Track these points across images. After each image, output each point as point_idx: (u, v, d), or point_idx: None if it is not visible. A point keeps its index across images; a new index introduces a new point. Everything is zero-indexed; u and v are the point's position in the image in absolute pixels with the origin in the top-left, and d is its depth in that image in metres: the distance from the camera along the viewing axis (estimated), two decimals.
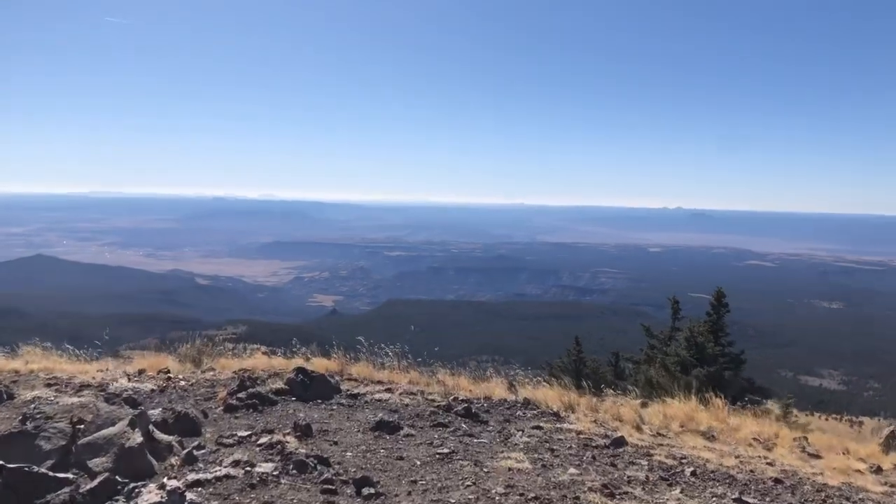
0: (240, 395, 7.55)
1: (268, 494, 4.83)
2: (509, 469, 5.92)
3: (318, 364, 10.16)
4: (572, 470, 6.02)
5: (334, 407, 7.88)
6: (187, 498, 4.37)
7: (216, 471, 5.12)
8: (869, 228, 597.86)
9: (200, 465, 5.35)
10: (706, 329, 18.36)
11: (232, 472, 5.09)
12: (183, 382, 8.70)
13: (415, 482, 5.43)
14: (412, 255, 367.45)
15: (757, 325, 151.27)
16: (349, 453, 6.07)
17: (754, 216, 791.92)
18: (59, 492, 4.22)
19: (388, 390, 8.91)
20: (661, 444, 7.56)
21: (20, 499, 4.13)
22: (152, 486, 4.34)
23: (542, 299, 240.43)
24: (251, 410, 7.28)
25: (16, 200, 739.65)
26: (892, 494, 6.78)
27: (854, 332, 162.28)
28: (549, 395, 9.48)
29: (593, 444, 7.05)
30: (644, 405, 10.34)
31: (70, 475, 4.53)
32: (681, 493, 5.74)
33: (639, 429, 8.22)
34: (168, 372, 9.35)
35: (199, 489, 4.81)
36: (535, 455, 6.45)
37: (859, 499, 6.36)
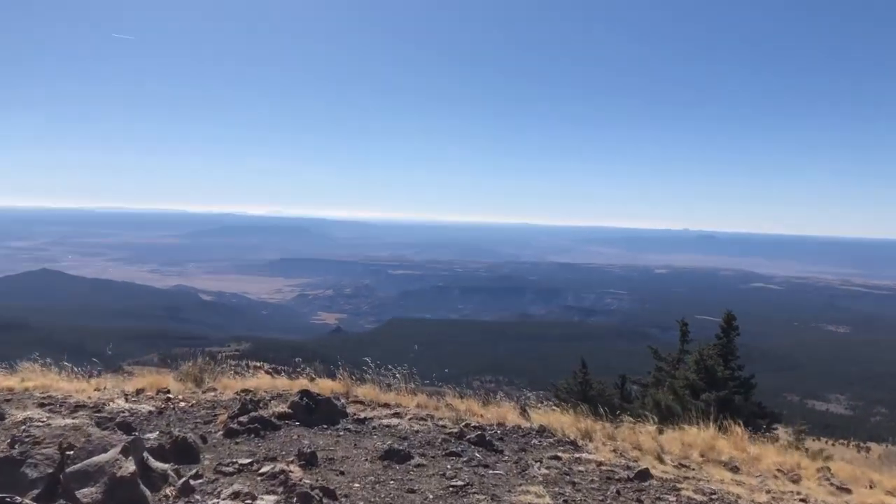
0: (241, 418, 7.09)
1: None
2: None
3: (324, 385, 9.77)
4: None
5: (341, 433, 7.38)
6: None
7: (214, 503, 4.72)
8: (877, 252, 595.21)
9: (197, 496, 4.88)
10: (716, 352, 17.99)
11: None
12: (183, 403, 8.28)
13: None
14: (417, 274, 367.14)
15: (763, 348, 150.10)
16: (357, 484, 5.63)
17: (761, 238, 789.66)
18: None
19: (397, 415, 8.45)
20: (687, 477, 7.13)
21: None
22: None
23: (547, 320, 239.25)
24: (253, 436, 6.83)
25: (22, 215, 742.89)
26: None
27: (861, 356, 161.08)
28: (564, 421, 9.06)
29: (616, 477, 6.59)
30: (660, 431, 9.93)
31: None
32: None
33: (660, 459, 7.80)
34: (167, 392, 8.93)
35: None
36: (556, 489, 6.01)
37: None
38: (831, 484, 8.35)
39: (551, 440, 7.94)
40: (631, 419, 10.47)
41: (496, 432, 8.05)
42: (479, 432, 7.58)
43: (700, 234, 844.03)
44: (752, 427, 14.26)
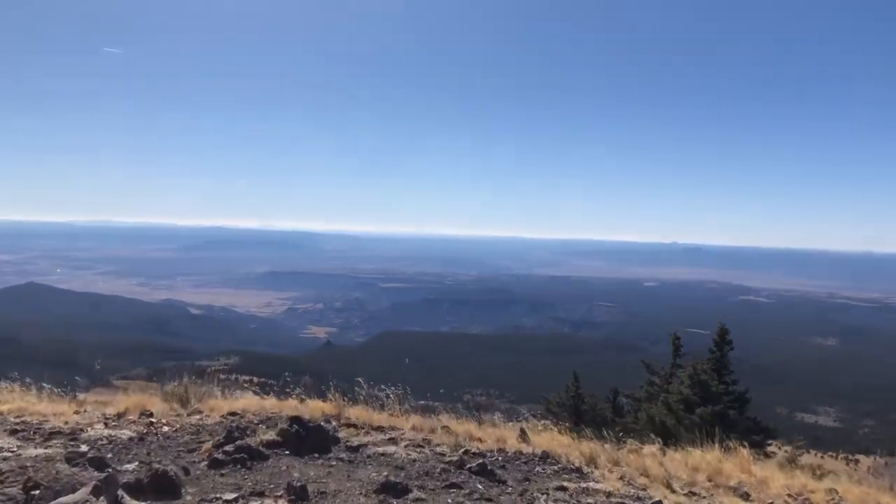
0: (227, 447, 6.53)
1: None
2: None
3: (314, 406, 9.37)
4: None
5: (333, 463, 6.84)
6: None
7: None
8: (864, 265, 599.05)
9: None
10: (710, 366, 17.79)
11: None
12: (166, 428, 7.77)
13: None
14: (407, 287, 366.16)
15: (751, 360, 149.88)
16: None
17: (749, 251, 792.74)
18: None
19: (392, 440, 7.96)
20: None
21: None
22: None
23: (537, 332, 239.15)
24: (239, 466, 6.28)
25: (8, 228, 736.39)
26: None
27: (849, 368, 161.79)
28: (564, 442, 8.79)
29: None
30: (663, 452, 9.57)
31: None
32: None
33: (669, 486, 7.40)
34: (150, 415, 8.43)
35: None
36: None
37: None
38: None
39: (555, 467, 7.49)
40: (635, 442, 10.09)
41: (497, 459, 7.56)
42: (480, 460, 7.07)
43: (688, 247, 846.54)
44: (748, 443, 13.99)
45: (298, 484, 5.65)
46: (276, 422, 8.08)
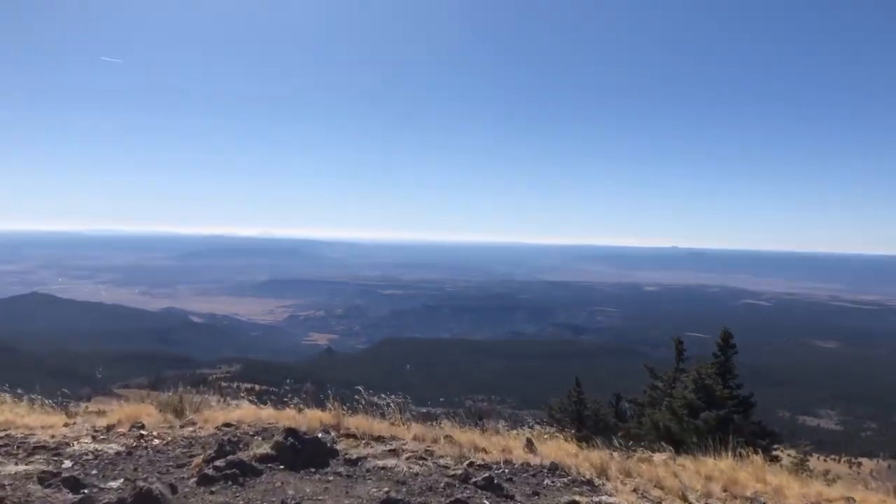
0: (218, 462, 6.10)
1: None
2: None
3: (312, 416, 8.88)
4: None
5: (330, 478, 6.36)
6: None
7: None
8: (865, 268, 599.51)
9: None
10: (714, 371, 17.53)
11: None
12: (157, 441, 7.33)
13: None
14: (407, 294, 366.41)
15: (753, 364, 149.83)
16: None
17: (750, 255, 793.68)
18: None
19: (393, 452, 7.50)
20: None
21: None
22: None
23: (538, 338, 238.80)
24: (230, 483, 5.87)
25: (11, 237, 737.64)
26: None
27: (851, 371, 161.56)
28: (570, 450, 8.45)
29: None
30: (673, 460, 9.22)
31: None
32: None
33: (685, 499, 6.99)
34: (142, 427, 7.96)
35: None
36: None
37: None
38: None
39: (565, 480, 7.04)
40: (646, 450, 9.73)
41: (504, 472, 7.10)
42: (486, 473, 6.64)
43: (688, 252, 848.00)
44: (754, 447, 13.73)
45: (293, 502, 5.37)
46: (273, 433, 7.67)
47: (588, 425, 22.08)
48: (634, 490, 7.07)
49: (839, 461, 78.53)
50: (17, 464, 6.03)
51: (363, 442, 7.92)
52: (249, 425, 8.37)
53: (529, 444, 8.55)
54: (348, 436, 8.14)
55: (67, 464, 6.17)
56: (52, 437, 7.44)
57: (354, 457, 7.11)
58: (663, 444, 10.95)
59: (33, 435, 7.53)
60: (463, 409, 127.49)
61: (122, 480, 5.78)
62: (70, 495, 4.44)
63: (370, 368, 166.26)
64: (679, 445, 13.87)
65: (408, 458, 7.25)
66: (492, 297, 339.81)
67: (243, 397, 10.97)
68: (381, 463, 6.99)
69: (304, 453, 6.73)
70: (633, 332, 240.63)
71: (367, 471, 6.74)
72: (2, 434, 7.56)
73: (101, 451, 6.76)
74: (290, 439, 6.80)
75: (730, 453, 9.16)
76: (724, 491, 7.75)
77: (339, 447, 7.42)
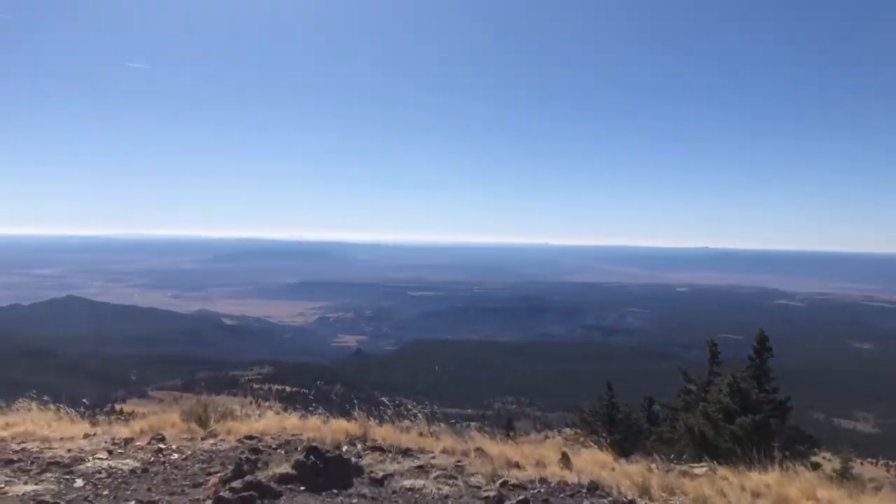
0: (234, 483, 5.73)
1: None
2: None
3: (338, 427, 8.67)
4: None
5: (353, 500, 5.99)
6: None
7: None
8: None
9: None
10: (749, 374, 17.20)
11: None
12: (175, 456, 7.11)
13: None
14: (436, 296, 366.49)
15: (786, 365, 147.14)
16: None
17: (782, 255, 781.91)
18: None
19: (421, 468, 7.09)
20: None
21: None
22: None
23: (568, 340, 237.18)
24: None
25: (47, 243, 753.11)
26: None
27: (887, 373, 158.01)
28: (605, 460, 8.14)
29: None
30: (713, 471, 8.83)
31: None
32: None
33: None
34: (162, 439, 7.81)
35: None
36: None
37: None
38: None
39: (606, 501, 6.57)
40: (682, 460, 9.42)
41: (539, 492, 6.58)
42: (521, 496, 6.23)
43: (719, 252, 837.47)
44: (791, 453, 13.54)
45: None
46: (296, 446, 7.53)
47: (620, 429, 21.91)
48: None
49: (876, 464, 77.13)
50: (26, 482, 5.90)
51: (390, 456, 7.61)
52: (272, 437, 8.15)
53: (565, 459, 8.05)
54: (375, 448, 7.87)
55: (79, 483, 6.00)
56: (69, 450, 7.28)
57: (380, 475, 6.73)
58: (699, 450, 10.75)
59: (50, 448, 7.38)
60: (492, 411, 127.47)
61: (133, 503, 5.62)
62: None
63: (399, 370, 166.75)
64: (714, 451, 13.69)
65: (437, 478, 6.83)
66: (520, 299, 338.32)
67: (270, 406, 10.89)
68: (408, 483, 6.58)
69: (326, 473, 6.37)
70: (664, 333, 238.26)
71: (394, 492, 6.31)
72: (18, 447, 7.40)
73: (115, 468, 6.55)
74: (312, 458, 6.42)
75: (776, 466, 8.40)
76: None
77: (364, 462, 7.13)
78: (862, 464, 66.76)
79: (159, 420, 8.80)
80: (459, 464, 7.37)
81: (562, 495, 6.60)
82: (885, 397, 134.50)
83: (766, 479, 7.81)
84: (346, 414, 9.63)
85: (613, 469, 7.75)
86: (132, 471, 6.52)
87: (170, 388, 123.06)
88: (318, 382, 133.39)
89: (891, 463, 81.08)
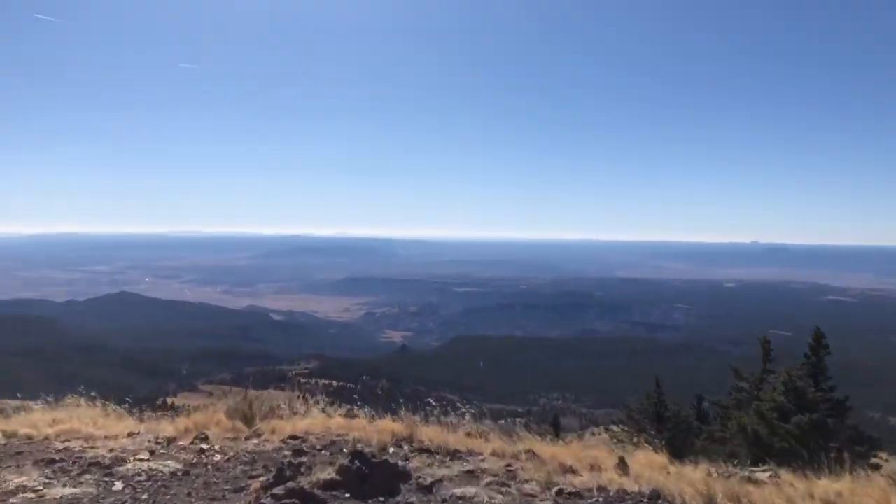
0: (276, 490, 5.42)
1: None
2: None
3: (384, 427, 8.28)
4: None
5: None
6: None
7: None
8: None
9: None
10: (805, 372, 16.61)
11: None
12: (218, 457, 6.93)
13: None
14: (481, 292, 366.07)
15: (840, 362, 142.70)
16: None
17: (834, 250, 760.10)
18: None
19: (470, 473, 6.66)
20: None
21: None
22: None
23: (612, 336, 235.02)
24: None
25: (102, 240, 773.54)
26: None
27: None
28: (660, 462, 7.65)
29: None
30: (776, 476, 8.23)
31: None
32: None
33: None
34: (205, 439, 7.65)
35: None
36: None
37: None
38: None
39: None
40: (750, 468, 8.84)
41: (598, 501, 6.07)
42: None
43: (770, 247, 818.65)
44: (851, 454, 13.01)
45: None
46: (341, 447, 7.33)
47: (669, 427, 21.45)
48: None
49: None
50: (65, 485, 5.82)
51: (438, 458, 7.25)
52: (317, 438, 7.89)
53: (622, 465, 7.42)
54: (422, 450, 7.50)
55: (118, 486, 5.88)
56: (111, 450, 7.16)
57: (428, 482, 6.32)
58: (752, 449, 10.32)
59: (93, 448, 7.28)
60: (537, 407, 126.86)
61: None
62: None
63: (443, 366, 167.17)
64: (768, 451, 13.27)
65: (488, 485, 6.38)
66: (565, 295, 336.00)
67: (316, 402, 10.62)
68: (458, 492, 6.14)
69: (371, 479, 5.98)
70: (712, 329, 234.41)
71: (443, 501, 5.93)
72: (61, 446, 7.33)
73: (155, 470, 6.39)
74: (357, 463, 6.03)
75: (848, 475, 7.54)
76: None
77: (411, 466, 6.76)
78: None
79: (205, 417, 8.63)
80: (510, 468, 6.93)
81: None
82: None
83: (835, 486, 7.13)
84: (391, 410, 9.31)
85: (669, 473, 7.33)
86: (173, 473, 6.34)
87: (219, 382, 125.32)
88: (364, 377, 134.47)
89: None
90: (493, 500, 5.86)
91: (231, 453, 7.15)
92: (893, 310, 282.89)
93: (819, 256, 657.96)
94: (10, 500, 5.44)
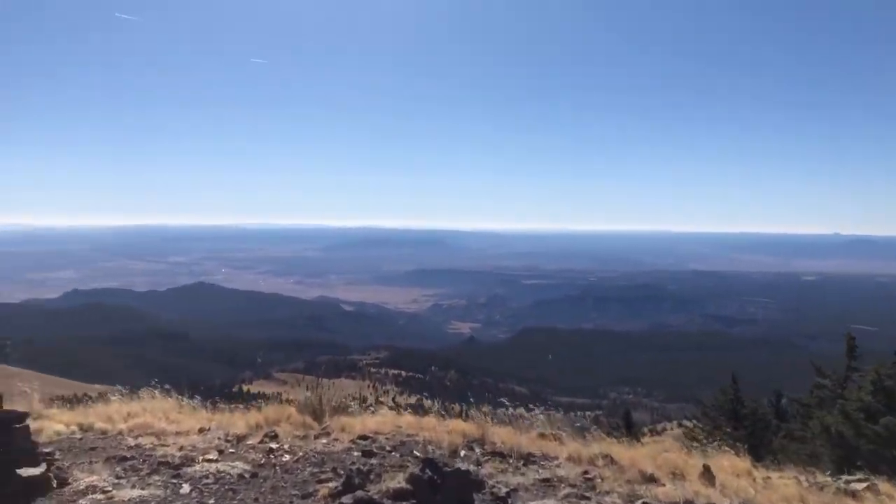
0: (344, 499, 5.28)
1: None
2: None
3: (455, 427, 8.07)
4: None
5: None
6: None
7: None
8: None
9: None
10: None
11: None
12: (287, 457, 6.83)
13: None
14: (550, 284, 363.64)
15: None
16: None
17: None
18: None
19: (547, 482, 6.32)
20: None
21: None
22: None
23: (686, 329, 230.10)
24: None
25: (181, 232, 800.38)
26: None
27: None
28: (743, 467, 7.18)
29: None
30: (872, 487, 7.58)
31: None
32: None
33: None
34: (274, 437, 7.60)
35: None
36: None
37: None
38: None
39: None
40: (845, 477, 8.22)
41: None
42: None
43: (853, 239, 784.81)
44: None
45: None
46: (411, 448, 7.16)
47: (745, 425, 20.69)
48: None
49: None
50: (133, 486, 5.80)
51: (511, 463, 6.98)
52: (387, 438, 7.74)
53: (707, 474, 6.81)
54: (494, 453, 7.26)
55: (185, 489, 5.84)
56: (181, 448, 7.17)
57: (503, 492, 6.01)
58: (836, 451, 9.70)
59: (163, 445, 7.31)
60: (607, 401, 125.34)
61: None
62: None
63: (511, 358, 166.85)
64: (854, 453, 12.70)
65: (566, 496, 6.01)
66: (637, 287, 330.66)
67: (386, 391, 10.51)
68: None
69: (443, 489, 5.63)
70: (790, 324, 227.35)
71: None
72: (133, 443, 7.39)
73: (223, 472, 6.28)
74: (428, 471, 5.69)
75: None
76: None
77: (484, 472, 6.51)
78: None
79: (276, 412, 8.58)
80: (588, 475, 6.58)
81: None
82: None
83: None
84: (460, 399, 9.10)
85: (755, 480, 6.91)
86: (240, 475, 6.24)
87: (292, 371, 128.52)
88: (432, 368, 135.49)
89: None
90: None
91: (300, 453, 7.03)
92: None
93: None
94: (79, 501, 5.43)
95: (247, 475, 6.26)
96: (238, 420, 8.43)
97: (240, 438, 7.64)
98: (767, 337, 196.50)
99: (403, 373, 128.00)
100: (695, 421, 23.86)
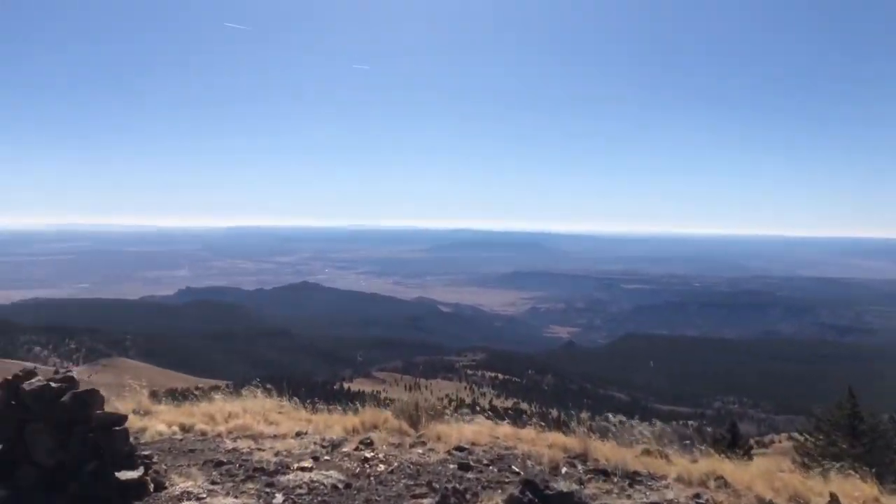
0: None
1: None
2: None
3: (555, 441, 7.68)
4: None
5: None
6: None
7: None
8: None
9: None
10: None
11: None
12: (381, 467, 6.64)
13: None
14: (651, 289, 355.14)
15: None
16: None
17: None
18: None
19: None
20: None
21: None
22: None
23: (796, 338, 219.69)
24: None
25: (287, 233, 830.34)
26: None
27: None
28: (871, 493, 6.61)
29: None
30: None
31: None
32: None
33: None
34: (370, 444, 7.42)
35: None
36: None
37: None
38: None
39: None
40: None
41: None
42: None
43: None
44: None
45: None
46: (509, 462, 6.80)
47: (864, 442, 19.40)
48: None
49: None
50: (227, 493, 5.73)
51: (616, 483, 6.51)
52: (483, 450, 7.40)
53: (833, 501, 6.18)
54: (597, 471, 6.80)
55: (278, 499, 5.69)
56: (277, 454, 7.05)
57: None
58: None
59: (260, 450, 7.19)
60: (711, 410, 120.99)
61: None
62: None
63: (611, 364, 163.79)
64: None
65: None
66: (743, 294, 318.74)
67: (483, 394, 10.28)
68: None
69: None
70: None
71: None
72: (231, 446, 7.32)
73: (316, 482, 6.10)
74: (528, 494, 5.17)
75: None
76: None
77: (587, 492, 6.01)
78: None
79: (372, 416, 8.45)
80: (700, 500, 6.07)
81: None
82: None
83: None
84: (558, 404, 8.69)
85: None
86: (334, 486, 6.06)
87: (391, 370, 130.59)
88: (529, 371, 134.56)
89: None
90: None
91: (395, 463, 6.83)
92: None
93: None
94: None
95: (340, 486, 6.08)
96: (335, 423, 8.34)
97: (335, 445, 7.50)
98: (886, 348, 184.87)
99: (500, 375, 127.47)
100: (806, 435, 22.61)
